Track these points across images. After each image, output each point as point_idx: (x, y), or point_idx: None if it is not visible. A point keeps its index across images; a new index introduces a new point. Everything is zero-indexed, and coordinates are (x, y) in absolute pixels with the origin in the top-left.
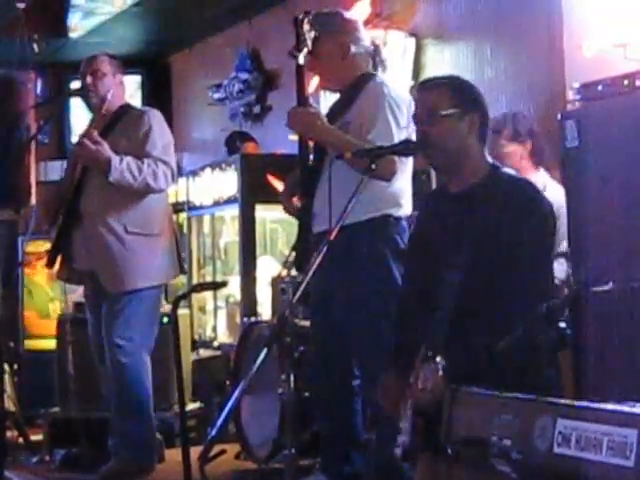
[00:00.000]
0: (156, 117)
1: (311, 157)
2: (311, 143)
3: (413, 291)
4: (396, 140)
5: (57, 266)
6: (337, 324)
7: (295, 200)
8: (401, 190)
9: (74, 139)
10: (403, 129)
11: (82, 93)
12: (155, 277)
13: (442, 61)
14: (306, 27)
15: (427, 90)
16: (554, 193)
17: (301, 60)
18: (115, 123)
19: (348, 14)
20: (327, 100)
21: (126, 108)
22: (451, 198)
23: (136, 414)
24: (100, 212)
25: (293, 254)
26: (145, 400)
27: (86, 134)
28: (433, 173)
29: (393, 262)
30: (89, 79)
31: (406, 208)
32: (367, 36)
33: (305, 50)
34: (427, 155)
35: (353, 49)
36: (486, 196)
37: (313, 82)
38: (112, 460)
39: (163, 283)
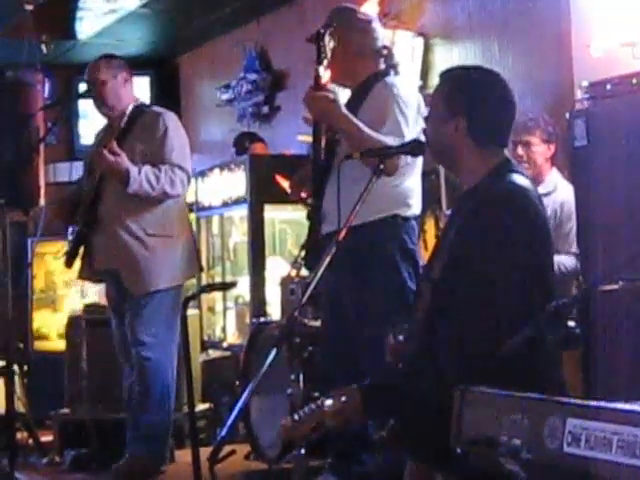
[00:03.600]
0: (172, 120)
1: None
2: (323, 143)
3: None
4: (406, 140)
5: (78, 267)
6: (347, 324)
7: (304, 190)
8: (410, 190)
9: (83, 141)
10: (412, 127)
11: (91, 95)
12: (175, 277)
13: (450, 60)
14: (327, 39)
15: (437, 85)
16: (565, 193)
17: (321, 72)
18: (131, 126)
19: (364, 11)
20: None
21: (141, 108)
22: (458, 199)
23: (157, 410)
24: (119, 216)
25: (302, 254)
26: (167, 397)
27: (105, 145)
28: (442, 173)
29: (401, 262)
30: (93, 91)
31: (415, 208)
32: (382, 35)
33: (325, 62)
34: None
35: (363, 47)
36: (469, 202)
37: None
38: (126, 456)
39: (182, 283)
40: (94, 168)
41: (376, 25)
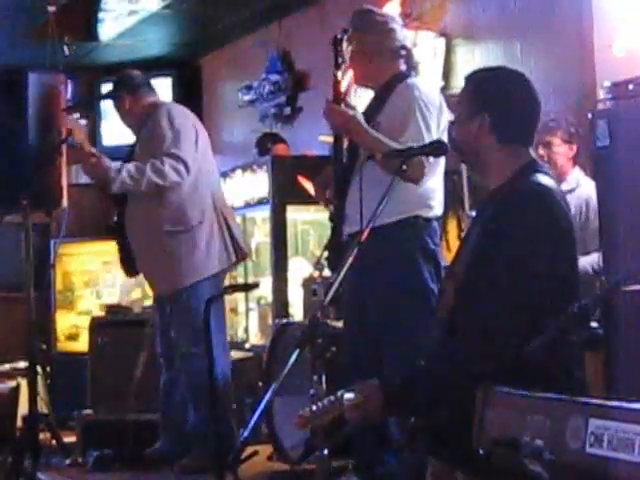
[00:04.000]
0: (165, 110)
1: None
2: (345, 144)
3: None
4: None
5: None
6: (369, 325)
7: (328, 192)
8: (432, 191)
9: (105, 142)
10: (433, 131)
11: (114, 96)
12: (205, 269)
13: (472, 61)
14: (344, 45)
15: (462, 87)
16: (589, 189)
17: (340, 77)
18: (141, 130)
19: (384, 12)
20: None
21: (152, 109)
22: (484, 200)
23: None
24: (137, 220)
25: (325, 255)
26: (222, 398)
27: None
28: (465, 173)
29: (423, 263)
30: (120, 119)
31: (437, 209)
32: (403, 35)
33: (343, 67)
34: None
35: (381, 48)
36: (493, 203)
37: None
38: (188, 458)
39: (218, 271)
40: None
41: (395, 25)
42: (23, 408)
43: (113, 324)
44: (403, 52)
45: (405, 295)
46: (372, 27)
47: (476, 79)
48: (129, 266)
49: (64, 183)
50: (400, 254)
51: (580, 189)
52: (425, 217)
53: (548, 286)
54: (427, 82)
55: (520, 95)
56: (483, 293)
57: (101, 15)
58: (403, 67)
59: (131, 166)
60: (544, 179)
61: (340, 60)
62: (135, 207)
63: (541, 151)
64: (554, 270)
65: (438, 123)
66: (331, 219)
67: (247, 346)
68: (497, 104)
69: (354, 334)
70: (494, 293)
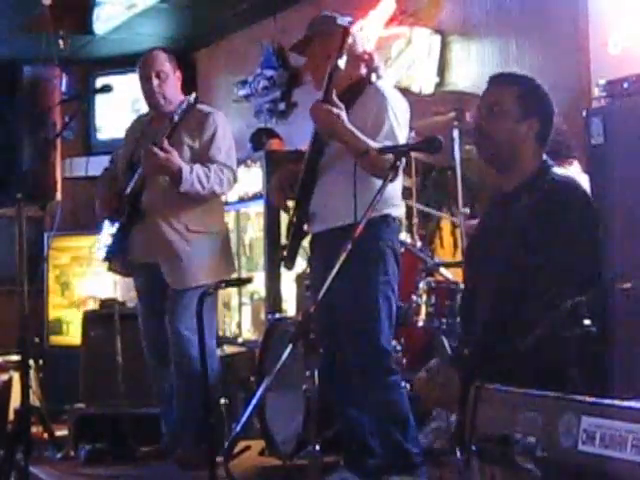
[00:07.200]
0: (221, 120)
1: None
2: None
3: (470, 294)
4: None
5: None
6: (340, 322)
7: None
8: (395, 191)
9: (99, 136)
10: (404, 131)
11: (108, 90)
12: (216, 274)
13: (467, 58)
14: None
15: (495, 85)
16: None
17: (341, 66)
18: (181, 123)
19: (345, 19)
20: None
21: (190, 106)
22: (501, 197)
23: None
24: (162, 211)
25: (284, 253)
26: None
27: (156, 142)
28: (459, 170)
29: (389, 257)
30: (155, 82)
31: (401, 208)
32: (363, 40)
33: (345, 57)
34: (479, 146)
35: (342, 55)
36: (524, 197)
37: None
38: (181, 449)
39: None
40: (140, 162)
41: (355, 29)
42: (15, 401)
43: (106, 318)
44: (365, 56)
45: (376, 292)
46: (333, 33)
47: (518, 82)
48: (112, 252)
49: (58, 177)
50: (371, 252)
51: None
52: (393, 216)
53: (595, 265)
54: (393, 85)
55: (552, 102)
56: (540, 277)
57: (97, 8)
58: (364, 70)
59: (200, 170)
60: (564, 171)
61: (344, 50)
62: (162, 199)
63: None
64: (595, 249)
65: (406, 125)
66: (293, 217)
67: (240, 341)
68: (545, 111)
69: (327, 333)
70: (553, 275)
